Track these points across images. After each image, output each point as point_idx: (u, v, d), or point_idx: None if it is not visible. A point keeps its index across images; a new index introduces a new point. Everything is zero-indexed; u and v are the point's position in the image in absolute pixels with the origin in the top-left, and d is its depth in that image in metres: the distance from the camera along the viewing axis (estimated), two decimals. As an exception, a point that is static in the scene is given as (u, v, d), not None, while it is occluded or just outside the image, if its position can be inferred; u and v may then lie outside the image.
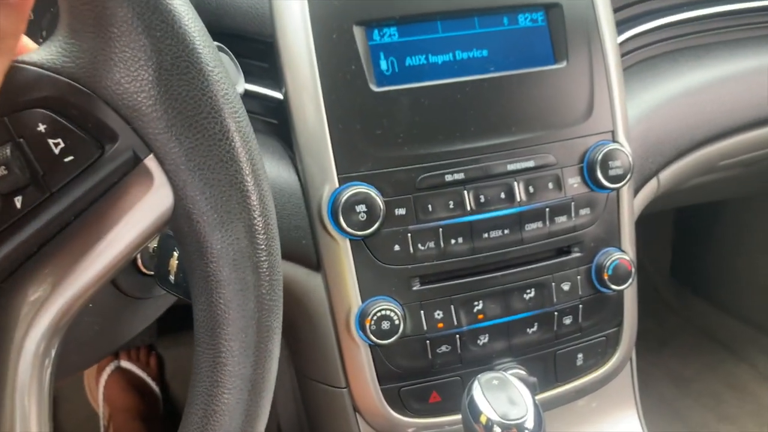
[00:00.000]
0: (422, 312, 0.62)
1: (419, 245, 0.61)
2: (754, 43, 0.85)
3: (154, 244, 0.46)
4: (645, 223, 1.66)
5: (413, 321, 0.62)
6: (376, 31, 0.60)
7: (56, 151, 0.28)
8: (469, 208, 0.62)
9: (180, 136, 0.29)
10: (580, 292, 0.66)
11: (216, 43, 0.37)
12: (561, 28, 0.65)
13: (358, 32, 0.59)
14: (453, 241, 0.62)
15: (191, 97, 0.29)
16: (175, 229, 0.31)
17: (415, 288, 0.61)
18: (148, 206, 0.29)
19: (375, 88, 0.59)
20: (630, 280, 0.67)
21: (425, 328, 0.62)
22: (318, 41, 0.58)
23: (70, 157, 0.28)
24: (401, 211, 0.60)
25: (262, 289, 0.31)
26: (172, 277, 0.45)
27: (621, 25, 0.76)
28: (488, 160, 0.62)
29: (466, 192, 0.62)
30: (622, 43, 0.76)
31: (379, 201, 0.58)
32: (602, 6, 0.66)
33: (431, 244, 0.61)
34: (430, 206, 0.61)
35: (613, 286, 0.66)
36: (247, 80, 0.64)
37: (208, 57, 0.29)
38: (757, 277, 1.56)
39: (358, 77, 0.59)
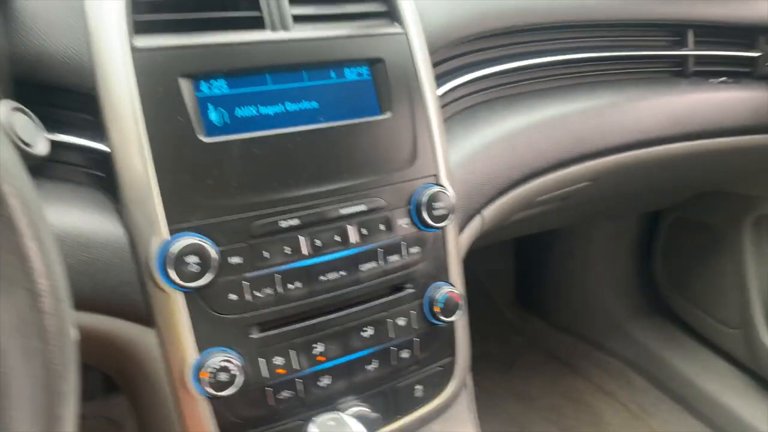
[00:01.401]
0: (262, 360, 0.62)
1: (256, 292, 0.61)
2: (560, 92, 0.97)
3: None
4: (488, 253, 1.80)
5: (253, 369, 0.62)
6: (204, 84, 0.61)
7: None
8: (306, 253, 0.64)
9: None
10: (414, 326, 0.70)
11: (13, 103, 0.36)
12: (385, 81, 0.69)
13: (185, 85, 0.60)
14: (291, 286, 0.63)
15: None
16: None
17: (253, 336, 0.62)
18: None
19: (204, 139, 0.60)
20: (459, 312, 0.72)
21: (266, 375, 0.62)
22: (143, 94, 0.58)
23: None
24: (236, 260, 0.61)
25: (48, 354, 0.31)
26: None
27: (442, 77, 0.83)
28: (322, 206, 0.65)
29: (301, 237, 0.64)
30: (444, 94, 0.83)
31: (213, 251, 0.58)
32: (422, 60, 0.72)
33: (269, 291, 0.62)
34: (266, 253, 0.62)
35: (444, 318, 0.71)
36: (70, 132, 0.62)
37: None
38: (587, 297, 1.73)
39: (186, 128, 0.59)
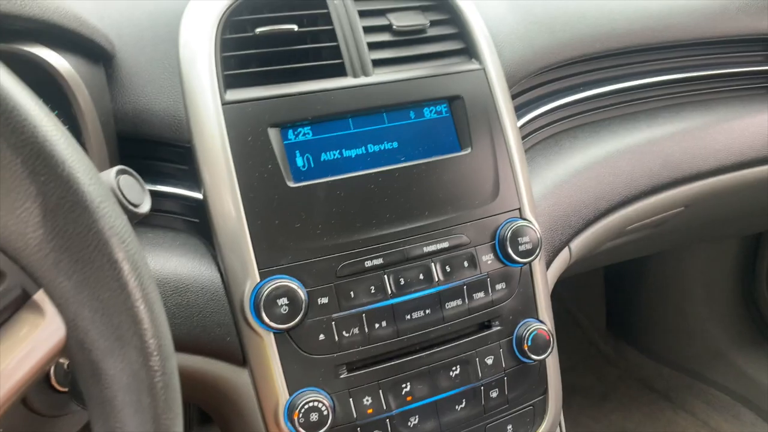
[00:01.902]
0: (351, 399, 0.63)
1: (344, 332, 0.62)
2: (645, 116, 0.93)
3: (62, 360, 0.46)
4: (577, 281, 1.74)
5: (343, 409, 0.62)
6: (290, 131, 0.64)
7: None
8: (390, 292, 0.64)
9: (68, 271, 0.30)
10: (503, 365, 0.69)
11: (120, 166, 0.39)
12: (464, 118, 0.70)
13: (273, 133, 0.62)
14: (377, 326, 0.64)
15: (77, 234, 0.30)
16: (70, 357, 0.32)
17: (342, 376, 0.63)
18: (40, 339, 0.30)
19: (291, 184, 0.62)
20: (549, 350, 0.70)
21: (355, 415, 0.63)
22: (234, 144, 0.61)
23: None
24: (324, 300, 0.62)
25: (158, 409, 0.32)
26: None
27: (522, 108, 0.83)
28: (405, 244, 0.65)
29: (386, 276, 0.64)
30: (525, 124, 0.82)
31: (301, 292, 0.60)
32: (501, 95, 0.72)
33: (356, 331, 0.63)
34: (352, 293, 0.63)
35: (534, 356, 0.69)
36: (168, 182, 0.66)
37: (94, 194, 0.31)
38: (686, 324, 1.63)
39: (275, 175, 0.62)
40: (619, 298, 1.77)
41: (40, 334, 0.30)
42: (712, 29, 0.96)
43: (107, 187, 0.32)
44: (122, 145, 0.65)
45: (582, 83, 0.90)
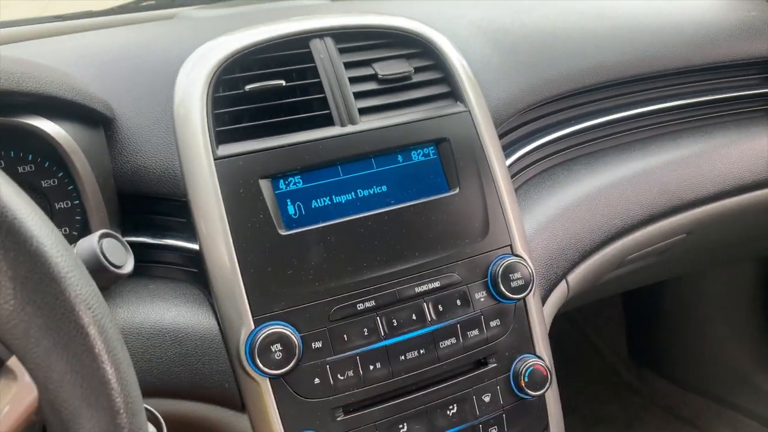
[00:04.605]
0: (348, 442, 0.64)
1: (339, 375, 0.64)
2: (640, 145, 0.94)
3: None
4: (595, 308, 1.72)
5: (340, 452, 0.63)
6: (281, 181, 0.66)
7: None
8: (383, 333, 0.66)
9: (38, 338, 0.33)
10: (501, 402, 0.69)
11: (102, 230, 0.42)
12: (451, 159, 0.72)
13: (264, 184, 0.65)
14: (371, 367, 0.65)
15: (46, 303, 0.33)
16: (43, 418, 0.34)
17: (339, 418, 0.64)
18: (14, 401, 0.33)
19: (283, 232, 0.64)
20: (548, 385, 0.70)
21: (352, 457, 0.64)
22: (227, 197, 0.63)
23: None
24: (318, 344, 0.64)
25: None
26: None
27: (513, 146, 0.84)
28: (397, 286, 0.67)
29: (378, 318, 0.66)
30: (516, 161, 0.84)
31: (295, 338, 0.62)
32: (487, 135, 0.74)
33: (350, 373, 0.64)
34: (345, 336, 0.64)
35: (531, 392, 0.69)
36: (168, 235, 0.69)
37: (61, 264, 0.33)
38: (708, 348, 1.60)
39: (266, 224, 0.64)
40: (639, 324, 1.74)
41: (15, 397, 0.33)
42: (702, 57, 0.97)
43: (75, 258, 0.35)
44: (123, 201, 0.68)
45: (573, 117, 0.91)
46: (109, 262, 0.39)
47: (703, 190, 0.91)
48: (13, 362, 0.33)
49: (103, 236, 0.41)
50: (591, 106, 0.92)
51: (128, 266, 0.42)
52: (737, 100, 1.00)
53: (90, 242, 0.39)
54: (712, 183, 0.92)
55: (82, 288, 0.34)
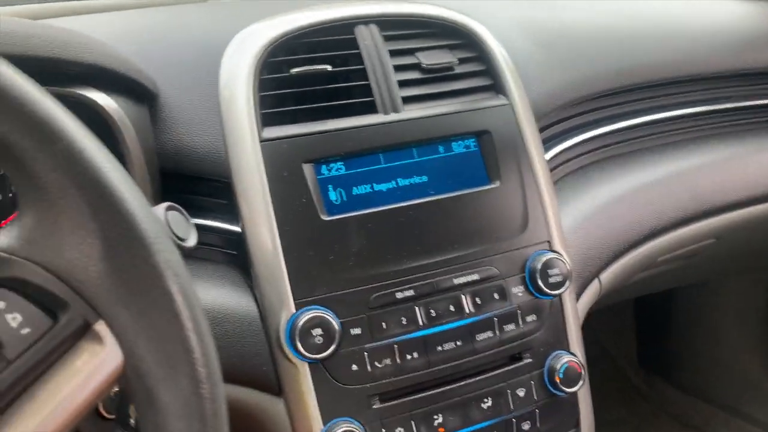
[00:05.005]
0: (383, 430, 0.63)
1: (376, 363, 0.63)
2: (674, 148, 0.94)
3: (115, 387, 0.48)
4: (607, 314, 1.72)
5: (375, 440, 0.63)
6: (324, 167, 0.66)
7: (14, 324, 0.31)
8: (421, 323, 0.65)
9: (127, 303, 0.32)
10: (535, 397, 0.69)
11: (168, 203, 0.42)
12: (492, 152, 0.71)
13: (307, 169, 0.65)
14: (409, 357, 0.64)
15: (135, 268, 0.33)
16: (126, 384, 0.34)
17: (375, 406, 0.63)
18: (99, 367, 0.32)
19: (325, 218, 0.64)
20: (581, 382, 0.70)
21: (387, 445, 0.63)
22: (271, 180, 0.63)
23: (27, 329, 0.31)
24: (356, 331, 0.63)
25: None
26: (132, 421, 0.46)
27: (550, 141, 0.84)
28: (436, 276, 0.67)
29: (417, 308, 0.65)
30: (553, 157, 0.84)
31: (335, 323, 0.61)
32: (528, 129, 0.74)
33: (387, 361, 0.64)
34: (384, 324, 0.64)
35: (566, 389, 0.69)
36: (208, 216, 0.69)
37: (150, 230, 0.33)
38: (719, 356, 1.60)
39: (309, 208, 0.64)
40: (650, 330, 1.74)
41: (101, 362, 0.32)
42: (736, 62, 0.97)
43: (162, 224, 0.35)
44: (164, 180, 0.68)
45: (610, 116, 0.91)
46: (175, 235, 0.39)
47: (735, 194, 0.91)
48: (100, 326, 0.33)
49: (169, 208, 0.40)
50: (626, 107, 0.92)
51: (192, 240, 0.42)
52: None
53: (157, 213, 0.39)
54: (744, 187, 0.91)
55: (170, 255, 0.34)
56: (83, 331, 0.33)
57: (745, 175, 0.93)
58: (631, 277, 0.89)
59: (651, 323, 1.72)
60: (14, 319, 0.31)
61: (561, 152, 0.85)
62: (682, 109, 0.95)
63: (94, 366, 0.32)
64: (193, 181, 0.68)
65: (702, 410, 1.59)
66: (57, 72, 0.52)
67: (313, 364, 0.62)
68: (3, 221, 0.66)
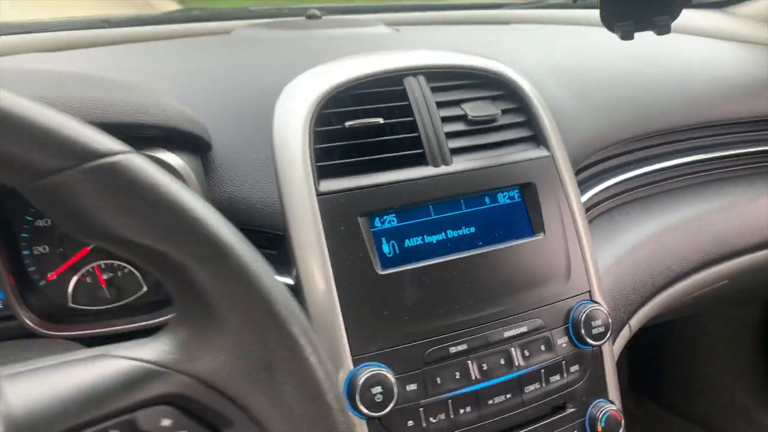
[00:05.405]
0: (438, 484, 0.64)
1: (431, 418, 0.64)
2: (691, 192, 0.97)
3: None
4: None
5: (431, 494, 0.63)
6: (377, 219, 0.66)
7: None
8: (474, 378, 0.66)
9: (296, 418, 0.32)
10: (578, 447, 0.70)
11: None
12: (536, 203, 0.73)
13: (362, 222, 0.65)
14: (461, 411, 0.65)
15: (301, 383, 0.33)
16: None
17: (430, 461, 0.64)
18: None
19: (380, 271, 0.64)
20: (621, 430, 0.71)
21: (444, 500, 0.64)
22: (328, 233, 0.63)
23: None
24: (412, 387, 0.64)
25: None
26: None
27: (580, 186, 0.86)
28: (486, 330, 0.67)
29: (469, 362, 0.66)
30: (585, 201, 0.85)
31: (392, 379, 0.62)
32: (568, 180, 0.75)
33: (442, 416, 0.64)
34: (438, 379, 0.65)
35: (608, 438, 0.70)
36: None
37: (309, 350, 0.34)
38: (707, 382, 1.65)
39: (365, 262, 0.64)
40: (640, 352, 1.78)
41: None
42: (747, 109, 1.01)
43: (316, 340, 0.35)
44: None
45: (629, 162, 0.93)
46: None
47: (749, 237, 0.95)
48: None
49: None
50: (644, 152, 0.95)
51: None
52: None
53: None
54: (758, 231, 0.95)
55: (329, 378, 0.34)
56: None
57: (757, 219, 0.96)
58: (655, 317, 0.91)
59: (642, 345, 1.76)
60: (181, 437, 0.31)
61: (589, 198, 0.86)
62: (697, 155, 0.98)
63: None
64: (245, 233, 0.67)
65: (691, 431, 1.64)
66: (132, 135, 0.51)
67: (370, 421, 0.62)
68: (49, 275, 0.65)
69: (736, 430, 1.59)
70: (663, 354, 1.71)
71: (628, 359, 1.80)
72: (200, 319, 0.32)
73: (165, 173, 0.31)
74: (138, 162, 0.30)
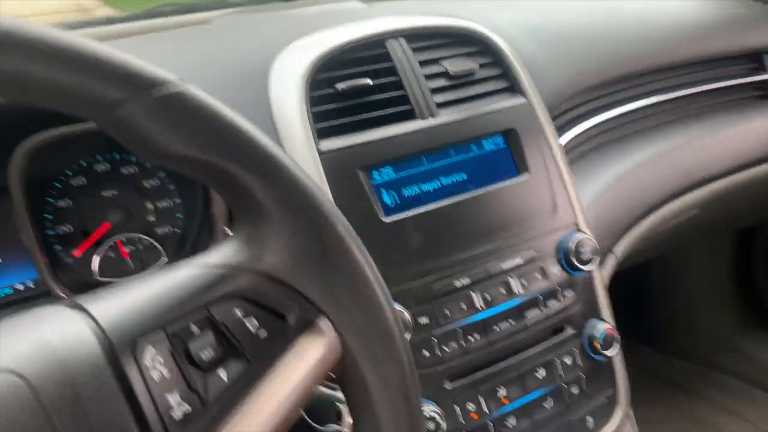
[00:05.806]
0: (456, 407, 0.70)
1: (444, 347, 0.70)
2: (658, 131, 1.04)
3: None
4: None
5: (450, 417, 0.69)
6: (375, 173, 0.72)
7: (252, 330, 0.36)
8: (479, 307, 0.72)
9: (345, 303, 0.38)
10: (579, 363, 0.77)
11: None
12: (518, 147, 0.79)
13: (362, 175, 0.70)
14: (471, 339, 0.71)
15: (349, 273, 0.38)
16: (343, 372, 0.39)
17: (447, 387, 0.70)
18: (323, 358, 0.37)
19: (385, 219, 0.70)
20: (616, 345, 0.78)
21: (462, 421, 0.70)
22: (333, 188, 0.68)
23: (264, 333, 0.36)
24: (424, 320, 0.69)
25: (412, 416, 0.40)
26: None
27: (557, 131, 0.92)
28: (486, 263, 0.73)
29: (474, 294, 0.72)
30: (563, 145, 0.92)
31: (407, 315, 0.67)
32: (546, 124, 0.81)
33: (454, 345, 0.70)
34: (447, 311, 0.70)
35: (605, 353, 0.77)
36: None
37: (355, 243, 0.39)
38: (690, 317, 1.74)
39: (370, 212, 0.69)
40: (626, 299, 1.86)
41: (324, 353, 0.37)
42: (701, 51, 1.08)
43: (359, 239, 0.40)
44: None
45: (600, 106, 1.00)
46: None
47: (713, 167, 1.02)
48: (322, 323, 0.38)
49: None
50: (613, 97, 1.01)
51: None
52: (735, 88, 1.11)
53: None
54: (719, 161, 1.03)
55: (371, 266, 0.39)
56: (308, 327, 0.37)
57: (718, 151, 1.04)
58: (640, 247, 0.98)
59: (625, 291, 1.85)
60: (252, 325, 0.36)
61: (568, 141, 0.93)
62: (662, 95, 1.05)
63: (318, 357, 0.37)
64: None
65: (680, 367, 1.73)
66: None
67: (390, 354, 0.67)
68: (74, 251, 0.69)
69: (725, 362, 1.69)
70: (648, 297, 1.80)
71: (615, 305, 1.89)
72: (258, 223, 0.37)
73: (217, 100, 0.36)
74: (194, 90, 0.35)
